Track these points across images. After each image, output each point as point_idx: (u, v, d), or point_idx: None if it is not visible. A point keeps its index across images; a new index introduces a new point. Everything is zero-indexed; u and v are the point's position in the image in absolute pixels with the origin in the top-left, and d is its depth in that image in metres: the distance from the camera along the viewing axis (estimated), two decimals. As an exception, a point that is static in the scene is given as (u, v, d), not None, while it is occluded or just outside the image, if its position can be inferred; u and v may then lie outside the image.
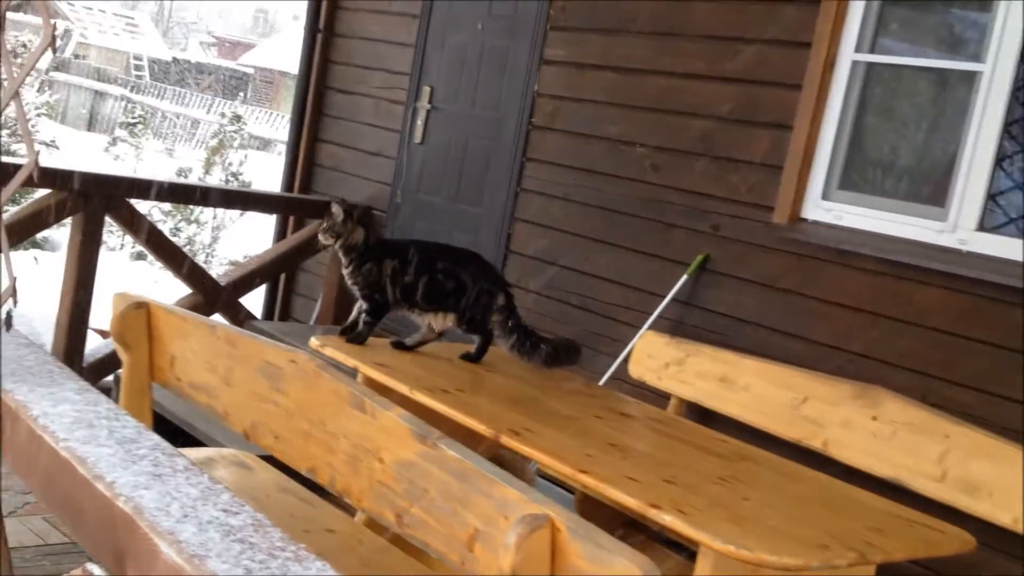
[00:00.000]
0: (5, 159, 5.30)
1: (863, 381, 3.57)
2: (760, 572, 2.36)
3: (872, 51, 3.97)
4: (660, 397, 4.02)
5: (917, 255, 3.68)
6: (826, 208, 4.02)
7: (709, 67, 4.40)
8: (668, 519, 2.27)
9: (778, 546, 2.22)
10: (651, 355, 4.11)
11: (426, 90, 5.80)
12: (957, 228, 3.63)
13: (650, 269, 4.52)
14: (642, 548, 2.45)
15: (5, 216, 5.44)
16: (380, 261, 3.31)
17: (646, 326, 4.33)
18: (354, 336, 3.33)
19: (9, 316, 1.73)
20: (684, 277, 4.31)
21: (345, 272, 3.36)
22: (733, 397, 3.79)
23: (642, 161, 4.62)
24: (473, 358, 3.36)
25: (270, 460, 2.90)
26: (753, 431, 3.62)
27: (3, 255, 1.66)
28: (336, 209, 3.30)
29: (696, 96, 4.44)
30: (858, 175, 4.04)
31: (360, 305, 3.36)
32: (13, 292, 1.62)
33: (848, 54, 3.97)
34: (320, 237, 3.36)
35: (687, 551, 3.39)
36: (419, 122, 5.82)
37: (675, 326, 4.34)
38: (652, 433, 3.07)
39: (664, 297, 4.34)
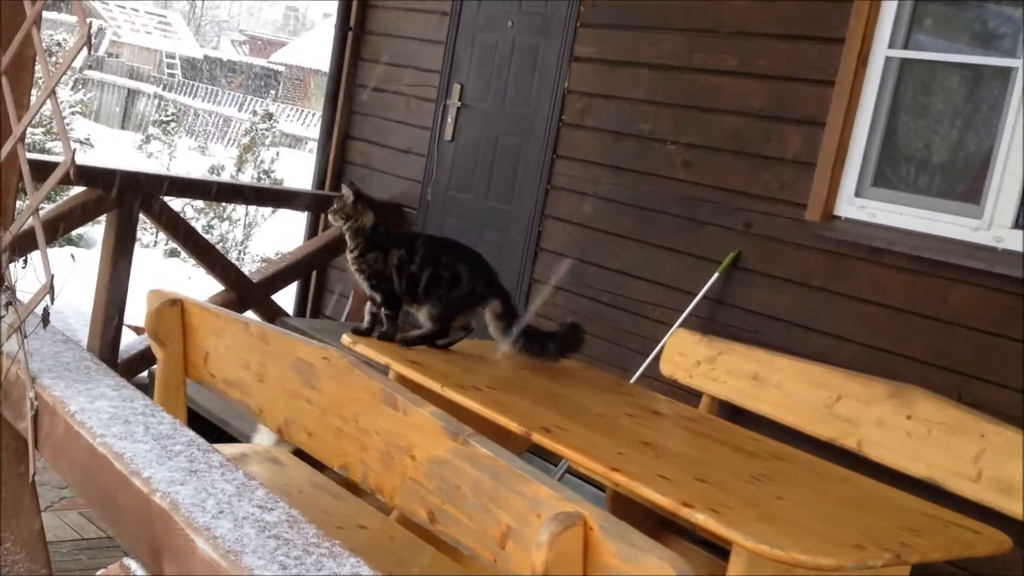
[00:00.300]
0: (40, 157, 5.36)
1: (897, 380, 3.53)
2: (793, 572, 2.35)
3: (906, 47, 3.93)
4: (691, 395, 4.01)
5: (951, 253, 3.64)
6: (859, 205, 3.99)
7: (741, 63, 4.37)
8: (701, 518, 2.26)
9: (812, 546, 2.20)
10: (682, 353, 4.10)
11: (456, 87, 5.81)
12: (992, 225, 3.59)
13: (681, 266, 4.50)
14: (673, 547, 2.45)
15: (41, 214, 5.49)
16: (386, 250, 3.31)
17: (677, 324, 4.31)
18: (383, 334, 3.33)
19: (46, 313, 1.75)
20: (716, 275, 4.29)
21: (350, 257, 3.36)
22: (765, 395, 3.76)
23: (673, 158, 4.60)
24: (405, 340, 3.30)
25: (303, 456, 2.91)
26: (785, 430, 3.59)
27: (40, 252, 1.67)
28: (347, 191, 3.31)
29: (728, 92, 4.41)
30: (892, 172, 4.00)
31: (369, 307, 3.36)
32: (50, 289, 1.63)
33: (881, 50, 3.94)
34: (330, 218, 3.38)
35: (718, 550, 3.38)
36: (449, 119, 5.83)
37: (707, 324, 4.32)
38: (684, 431, 3.06)
39: (695, 295, 4.33)
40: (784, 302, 4.13)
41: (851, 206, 4.00)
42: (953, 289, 3.63)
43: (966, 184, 3.78)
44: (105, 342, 5.25)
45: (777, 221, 4.19)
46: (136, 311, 4.17)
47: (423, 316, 3.32)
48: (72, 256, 1.80)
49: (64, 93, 16.97)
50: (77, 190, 5.29)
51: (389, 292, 3.30)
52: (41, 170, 2.81)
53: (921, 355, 3.68)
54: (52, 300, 1.66)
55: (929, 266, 3.69)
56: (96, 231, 9.07)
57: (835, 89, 4.02)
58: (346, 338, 3.36)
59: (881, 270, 3.84)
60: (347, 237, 3.35)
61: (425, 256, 3.30)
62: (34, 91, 2.16)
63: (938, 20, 3.98)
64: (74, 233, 9.69)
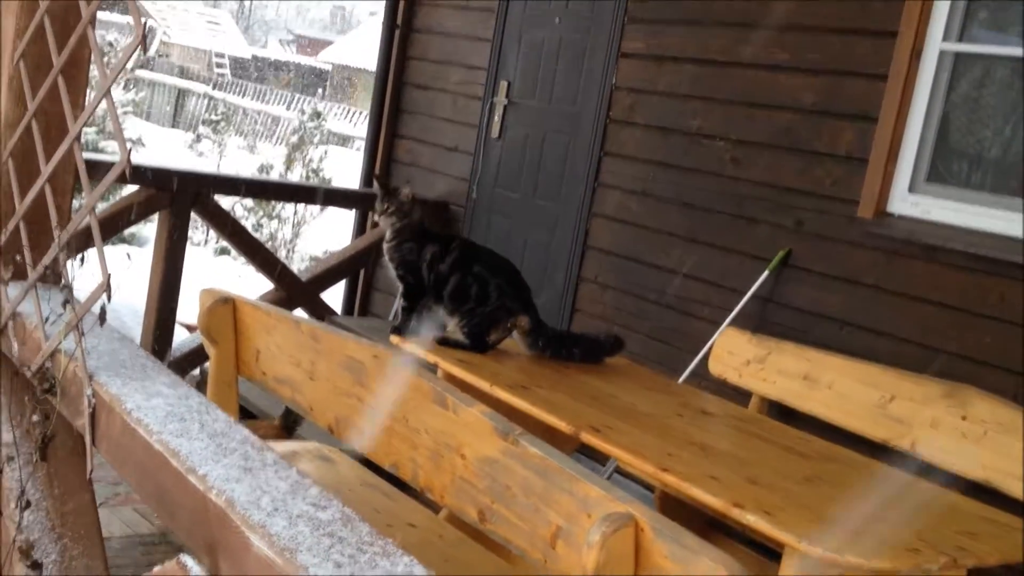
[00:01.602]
0: (95, 156, 5.44)
1: (952, 380, 3.48)
2: (846, 575, 2.32)
3: (960, 40, 3.86)
4: (741, 395, 3.97)
5: (1007, 250, 3.57)
6: (913, 202, 3.93)
7: (792, 58, 4.32)
8: (752, 519, 2.24)
9: (867, 549, 2.17)
10: (732, 352, 4.06)
11: (503, 85, 5.81)
12: (1051, 222, 3.51)
13: (730, 265, 4.46)
14: (722, 548, 2.42)
15: (96, 212, 5.53)
16: (422, 244, 3.34)
17: (727, 322, 4.27)
18: (395, 327, 3.37)
19: (103, 311, 1.77)
20: (765, 273, 4.25)
21: (386, 247, 3.40)
22: (816, 396, 3.72)
23: (723, 155, 4.56)
24: (447, 342, 3.32)
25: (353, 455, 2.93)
26: (837, 431, 3.55)
27: (97, 251, 1.69)
28: (405, 191, 3.37)
29: (778, 88, 4.36)
30: (946, 168, 3.93)
31: (399, 300, 3.41)
32: (107, 288, 1.65)
33: (935, 43, 3.87)
34: (380, 219, 3.42)
35: (768, 551, 3.35)
36: (496, 117, 5.83)
37: (756, 323, 4.28)
38: (734, 432, 3.03)
39: (745, 293, 4.29)
40: (835, 300, 4.07)
41: (904, 203, 3.94)
42: (1009, 287, 3.56)
43: (1021, 180, 3.71)
44: (158, 339, 5.32)
45: (828, 218, 4.13)
46: (188, 309, 4.23)
47: (452, 325, 3.33)
48: (128, 255, 1.82)
49: (117, 93, 17.23)
50: (130, 189, 5.36)
51: (414, 285, 3.34)
52: (95, 169, 2.86)
53: (977, 354, 3.62)
54: (109, 298, 1.68)
55: (984, 264, 3.63)
56: (149, 229, 9.19)
57: (888, 83, 3.96)
58: (393, 337, 3.38)
59: (935, 268, 3.78)
60: (389, 229, 3.38)
61: (457, 260, 3.31)
62: (89, 91, 2.19)
63: (993, 13, 3.91)
64: (127, 232, 9.82)
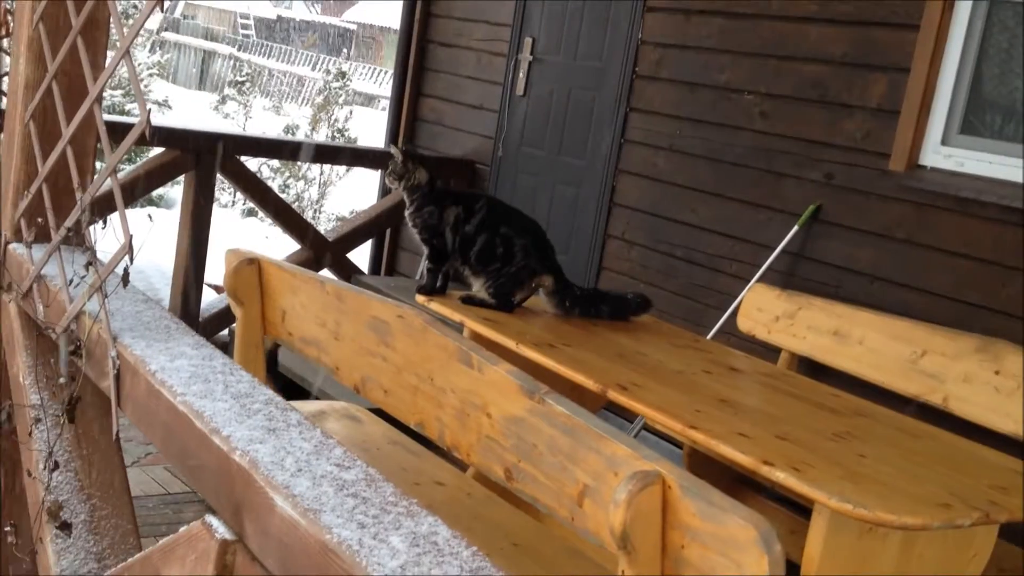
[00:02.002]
0: (119, 118, 5.44)
1: (985, 334, 3.42)
2: (876, 531, 2.30)
3: (996, -13, 3.76)
4: (770, 351, 3.94)
5: (1044, 202, 3.50)
6: (945, 154, 3.86)
7: (822, 9, 4.24)
8: (782, 476, 2.22)
9: (897, 505, 2.15)
10: (761, 308, 4.03)
11: (528, 41, 5.74)
12: (1088, 173, 3.44)
13: (759, 220, 4.41)
14: (751, 504, 2.41)
15: (121, 175, 5.58)
16: (443, 207, 3.32)
17: (755, 278, 4.23)
18: (421, 287, 3.36)
19: (126, 273, 1.77)
20: (795, 228, 4.20)
21: (407, 213, 3.39)
22: (847, 351, 3.68)
23: (751, 109, 4.50)
24: (471, 300, 3.31)
25: (379, 413, 2.93)
26: (868, 386, 3.51)
27: (119, 212, 1.69)
28: (395, 151, 3.35)
29: (808, 40, 4.28)
30: (979, 119, 3.85)
31: (424, 260, 3.40)
32: (129, 249, 1.65)
33: (970, -9, 3.78)
34: (387, 181, 3.42)
35: (797, 507, 3.33)
36: (521, 74, 5.77)
37: (785, 278, 4.23)
38: (763, 388, 3.01)
39: (774, 249, 4.24)
40: (866, 255, 4.02)
41: (937, 155, 3.87)
42: (1045, 240, 3.50)
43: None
44: (186, 301, 5.35)
45: (859, 172, 4.07)
46: (216, 270, 4.23)
47: (477, 286, 3.32)
48: (149, 216, 1.81)
49: (142, 55, 17.24)
50: (156, 151, 5.37)
51: (438, 248, 3.32)
52: (120, 132, 2.84)
53: (1010, 308, 3.56)
54: (131, 260, 1.68)
55: (1018, 216, 3.56)
56: (176, 192, 9.22)
57: (920, 34, 3.88)
58: (420, 296, 3.36)
59: (968, 221, 3.72)
60: (404, 195, 3.37)
61: (484, 221, 3.29)
62: (110, 53, 2.17)
63: (1030, -41, 3.81)
64: (155, 194, 9.87)
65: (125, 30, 1.70)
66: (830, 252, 4.14)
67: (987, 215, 3.66)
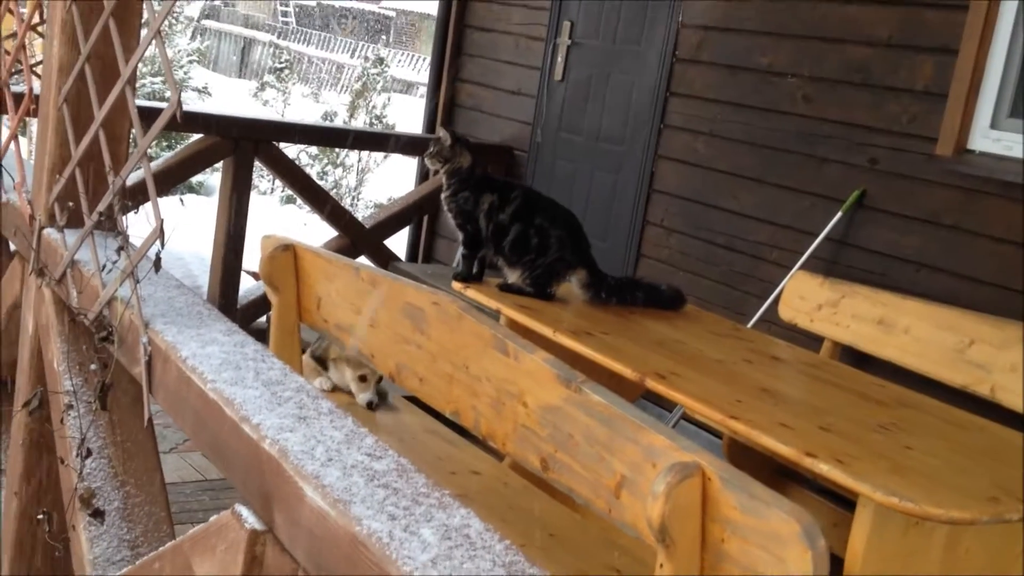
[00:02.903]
0: (156, 104, 5.45)
1: (1035, 323, 3.34)
2: (922, 526, 2.24)
3: (1049, -34, 3.65)
4: (812, 340, 3.87)
5: (1097, 188, 3.40)
6: (995, 138, 3.75)
7: (867, -10, 4.14)
8: (825, 468, 2.17)
9: (944, 498, 2.09)
10: (803, 296, 3.95)
11: (566, 25, 5.68)
12: None
13: (801, 206, 4.33)
14: (793, 496, 2.35)
15: (159, 161, 5.57)
16: (479, 193, 3.29)
17: (798, 266, 4.16)
18: (456, 274, 3.34)
19: (158, 258, 1.75)
20: (839, 214, 4.11)
21: (443, 196, 3.37)
22: (892, 340, 3.60)
23: (794, 92, 4.41)
24: (509, 288, 3.28)
25: (415, 401, 2.91)
26: (913, 377, 3.43)
27: (151, 197, 1.67)
28: (444, 133, 3.32)
29: (852, 21, 4.19)
30: (1030, 103, 3.75)
31: (460, 247, 3.37)
32: (160, 234, 1.62)
33: (1022, -29, 3.67)
34: (427, 162, 3.38)
35: (840, 499, 3.27)
36: (559, 59, 5.71)
37: (829, 266, 4.15)
38: (805, 378, 2.95)
39: (817, 236, 4.16)
40: (912, 242, 3.93)
41: (986, 139, 3.77)
42: (1098, 227, 3.40)
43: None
44: (224, 288, 5.36)
45: (905, 156, 3.98)
46: (254, 258, 4.23)
47: (513, 277, 3.28)
48: (181, 201, 1.79)
49: (182, 42, 17.35)
50: (195, 137, 5.38)
51: (472, 234, 3.30)
52: (153, 117, 2.83)
53: (1062, 297, 3.47)
54: (163, 245, 1.66)
55: (1072, 202, 3.46)
56: (215, 178, 9.26)
57: (969, 14, 3.77)
58: (456, 283, 3.33)
59: (1018, 207, 3.62)
60: (443, 178, 3.34)
61: (518, 210, 3.25)
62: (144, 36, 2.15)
63: (1085, -63, 3.69)
64: (194, 181, 9.93)
65: (156, 10, 1.68)
66: (875, 239, 4.06)
67: (1038, 201, 3.56)
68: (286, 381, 1.57)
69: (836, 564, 2.04)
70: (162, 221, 1.64)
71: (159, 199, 1.72)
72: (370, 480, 1.26)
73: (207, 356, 1.62)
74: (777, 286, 4.19)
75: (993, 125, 3.76)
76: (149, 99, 11.77)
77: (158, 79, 12.17)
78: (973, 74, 3.76)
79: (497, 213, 3.26)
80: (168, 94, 11.84)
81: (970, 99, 3.78)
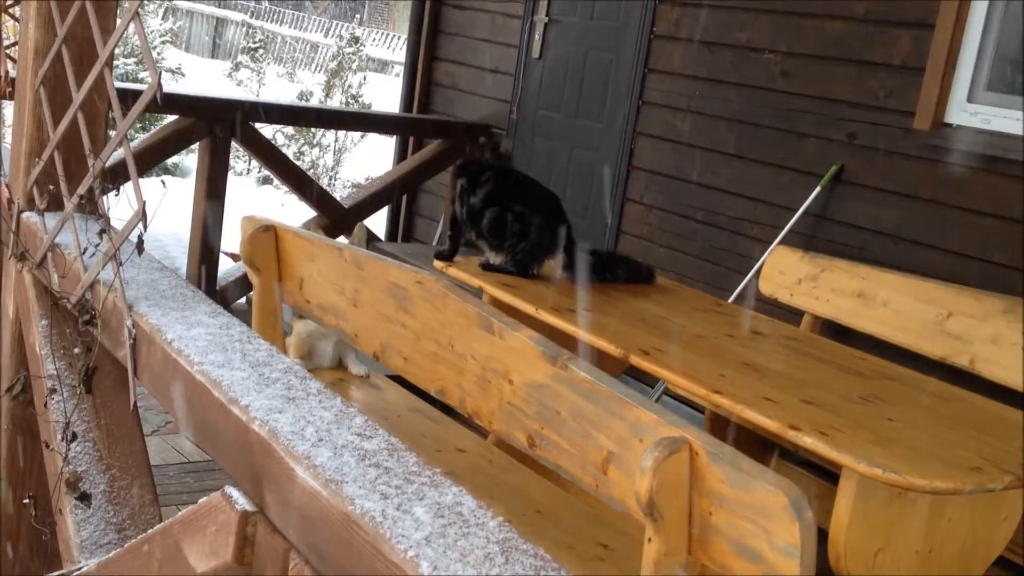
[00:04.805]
0: (132, 86, 5.39)
1: (1012, 294, 3.37)
2: (905, 496, 2.26)
3: (1025, -61, 3.67)
4: (793, 314, 3.89)
5: (1073, 160, 3.43)
6: (972, 112, 3.78)
7: (844, -35, 4.14)
8: (809, 441, 2.19)
9: (927, 469, 2.11)
10: (783, 271, 3.97)
11: (543, 2, 5.66)
12: (1120, 129, 3.36)
13: (780, 182, 4.34)
14: (776, 471, 2.37)
15: (135, 143, 5.53)
16: (457, 178, 3.33)
17: (777, 241, 4.18)
18: (438, 252, 3.35)
19: (140, 240, 1.74)
20: (817, 189, 4.13)
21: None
22: (871, 313, 3.63)
23: (771, 68, 4.42)
24: (490, 267, 3.30)
25: (399, 381, 2.91)
26: (894, 349, 3.46)
27: (132, 179, 1.65)
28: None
29: (830, -3, 4.20)
30: (1007, 76, 3.77)
31: (442, 225, 3.43)
32: (142, 216, 1.61)
33: (997, -56, 3.68)
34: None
35: (823, 472, 3.30)
36: (537, 36, 5.69)
37: (808, 240, 4.17)
38: (787, 352, 2.96)
39: (796, 210, 4.18)
40: (891, 216, 3.96)
41: (963, 112, 3.79)
42: (1074, 198, 3.43)
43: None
44: (203, 269, 5.32)
45: (883, 131, 4.00)
46: (233, 238, 4.20)
47: (496, 259, 3.29)
48: (163, 182, 1.77)
49: (154, 22, 17.15)
50: (170, 119, 5.33)
51: (452, 215, 3.30)
52: (132, 99, 2.81)
53: (1039, 268, 3.50)
54: (145, 227, 1.64)
55: (1048, 174, 3.49)
56: (191, 160, 9.19)
57: (946, -12, 3.79)
58: (437, 262, 3.33)
59: (995, 179, 3.64)
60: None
61: (490, 194, 3.25)
62: (119, 20, 2.13)
63: (1059, -91, 3.70)
64: (169, 162, 9.85)
65: (134, -9, 1.65)
66: (853, 213, 4.08)
67: (1014, 173, 3.58)
68: (273, 362, 1.57)
69: (820, 536, 2.06)
70: (144, 203, 1.63)
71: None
72: (361, 459, 1.26)
73: (193, 338, 1.62)
74: (757, 261, 4.21)
75: (970, 99, 3.78)
76: (122, 80, 11.64)
77: (131, 60, 12.03)
78: (950, 48, 3.78)
79: (467, 197, 3.27)
80: (142, 75, 11.72)
81: (947, 73, 3.80)
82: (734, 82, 4.57)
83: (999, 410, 2.68)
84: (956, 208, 3.76)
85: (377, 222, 6.33)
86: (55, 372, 1.88)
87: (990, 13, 3.73)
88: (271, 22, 26.18)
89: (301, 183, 5.81)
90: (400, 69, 7.68)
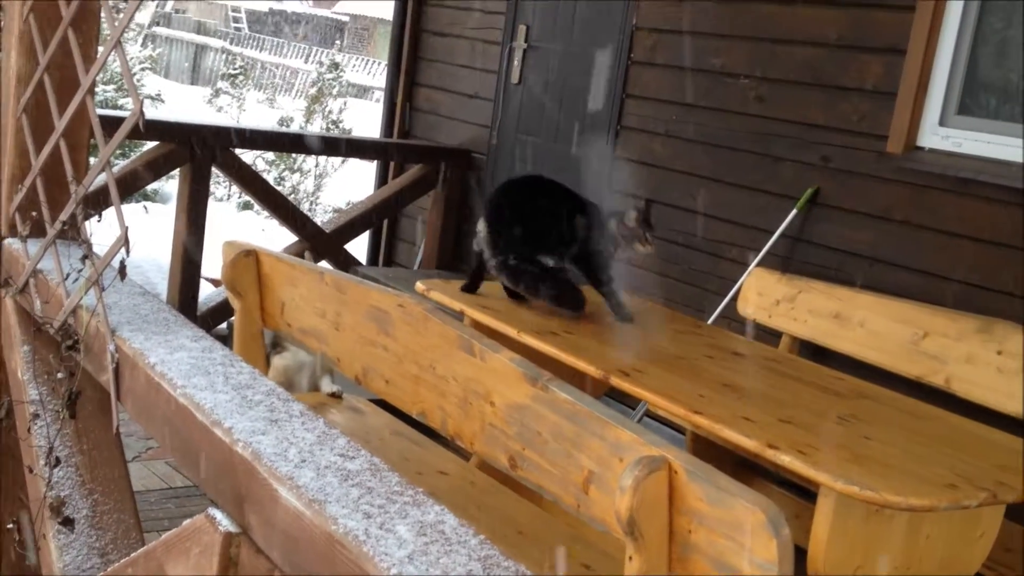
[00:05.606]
0: (113, 112, 5.41)
1: (986, 314, 3.41)
2: (883, 513, 2.29)
3: (991, -34, 3.74)
4: (771, 335, 3.93)
5: (1042, 181, 3.49)
6: (943, 135, 3.84)
7: (816, -9, 4.21)
8: (787, 459, 2.21)
9: (903, 486, 2.14)
10: (761, 293, 4.01)
11: (522, 28, 5.71)
12: (1088, 151, 3.42)
13: (757, 204, 4.39)
14: (756, 489, 2.39)
15: (115, 169, 5.53)
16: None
17: (755, 263, 4.22)
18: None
19: (123, 266, 1.75)
20: (793, 211, 4.18)
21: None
22: (848, 334, 3.67)
23: (747, 93, 4.48)
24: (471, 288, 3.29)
25: (381, 404, 2.92)
26: (870, 369, 3.50)
27: (114, 205, 1.67)
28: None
29: (802, 22, 4.26)
30: (977, 100, 3.83)
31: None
32: (125, 242, 1.63)
33: (965, -29, 3.75)
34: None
35: (802, 491, 3.32)
36: (516, 62, 5.75)
37: (785, 262, 4.22)
38: (765, 372, 2.99)
39: (773, 233, 4.22)
40: (866, 238, 4.01)
41: (935, 136, 3.85)
42: (1045, 219, 3.49)
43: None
44: (184, 295, 5.32)
45: (857, 154, 4.05)
46: (213, 264, 4.22)
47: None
48: (145, 207, 1.79)
49: (133, 49, 17.18)
50: (150, 145, 5.34)
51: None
52: (113, 126, 2.82)
53: (1012, 288, 3.55)
54: (127, 252, 1.66)
55: (1018, 196, 3.54)
56: (171, 186, 9.18)
57: (916, 14, 3.86)
58: (420, 285, 3.35)
59: (967, 201, 3.70)
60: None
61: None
62: (102, 47, 2.15)
63: (1025, -63, 3.78)
64: (149, 189, 9.83)
65: (116, 22, 1.68)
66: (829, 235, 4.13)
67: (986, 195, 3.64)
68: (256, 385, 1.58)
69: (799, 554, 2.08)
70: (127, 228, 1.65)
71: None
72: (344, 480, 1.28)
73: (175, 362, 1.63)
74: (736, 283, 4.25)
75: (942, 122, 3.85)
76: (102, 107, 11.63)
77: (110, 87, 12.04)
78: (921, 73, 3.84)
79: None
80: (122, 102, 11.73)
81: (918, 97, 3.86)
82: (710, 107, 4.63)
83: (974, 428, 2.72)
84: (929, 230, 3.81)
85: (358, 247, 6.35)
86: (38, 397, 1.88)
87: (960, 38, 3.80)
88: (251, 48, 26.25)
89: (282, 208, 5.83)
90: (380, 95, 7.72)
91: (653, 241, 3.20)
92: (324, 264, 5.73)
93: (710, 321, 4.27)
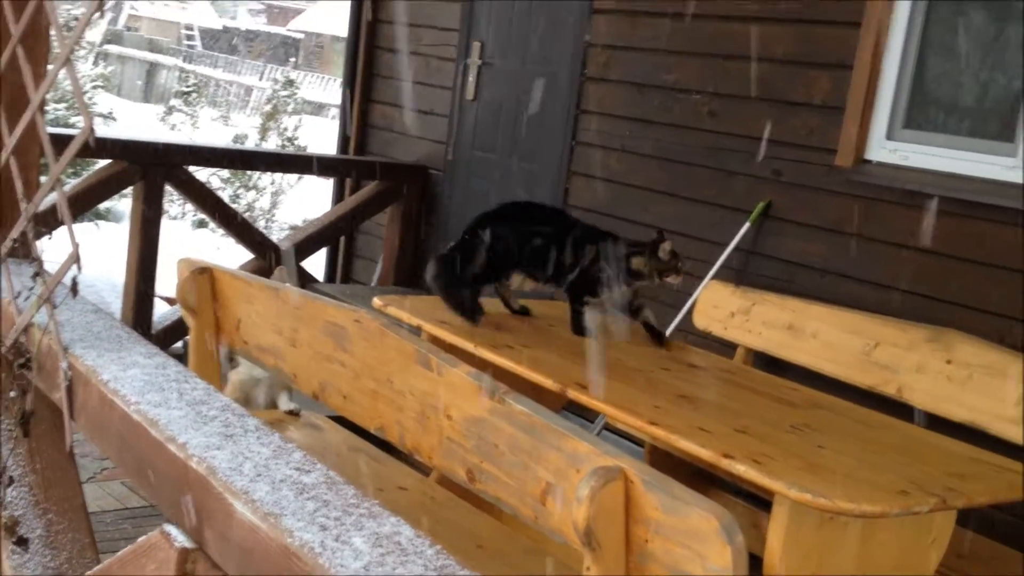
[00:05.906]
0: (64, 131, 5.35)
1: (936, 324, 3.48)
2: (837, 520, 2.32)
3: (934, -15, 3.82)
4: (727, 347, 3.97)
5: (987, 193, 3.56)
6: (891, 148, 3.91)
7: (763, 8, 4.28)
8: (742, 469, 2.24)
9: (856, 493, 2.17)
10: (716, 305, 4.05)
11: (476, 45, 5.74)
12: (1029, 163, 3.51)
13: (711, 218, 4.44)
14: (713, 499, 2.41)
15: (67, 187, 5.48)
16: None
17: (710, 276, 4.26)
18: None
19: (75, 283, 1.74)
20: (746, 225, 4.23)
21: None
22: (802, 345, 3.72)
23: (699, 108, 4.53)
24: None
25: (340, 421, 2.91)
26: (824, 379, 3.55)
27: (65, 222, 1.66)
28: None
29: (752, 39, 4.32)
30: (923, 113, 3.91)
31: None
32: (76, 259, 1.62)
33: (909, -11, 3.84)
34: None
35: (758, 500, 3.35)
36: (471, 79, 5.77)
37: (739, 275, 4.27)
38: (721, 383, 3.03)
39: (727, 246, 4.27)
40: (817, 250, 4.07)
41: (882, 149, 3.93)
42: (989, 230, 3.56)
43: (999, 123, 3.70)
44: (138, 313, 5.27)
45: (807, 168, 4.12)
46: (167, 283, 4.19)
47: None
48: (96, 224, 1.78)
49: (85, 67, 17.01)
50: (103, 163, 5.29)
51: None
52: (64, 144, 2.80)
53: (960, 299, 3.62)
54: (79, 270, 1.65)
55: (965, 207, 3.62)
56: (124, 205, 9.09)
57: (862, 31, 3.94)
58: (377, 301, 3.35)
59: (915, 213, 3.77)
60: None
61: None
62: (51, 65, 2.13)
63: (966, -44, 3.88)
64: (101, 207, 9.71)
65: (66, 39, 1.67)
66: (781, 248, 4.18)
67: (932, 207, 3.71)
68: (210, 400, 1.58)
69: (756, 563, 2.11)
70: (78, 245, 1.64)
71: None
72: (300, 493, 1.28)
73: (129, 379, 1.62)
74: (691, 296, 4.29)
75: (889, 136, 3.92)
76: (52, 126, 11.50)
77: (61, 105, 11.91)
78: (867, 88, 3.92)
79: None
80: (73, 120, 11.60)
81: (866, 112, 3.93)
82: (664, 122, 4.67)
83: (925, 436, 2.77)
84: (878, 241, 3.88)
85: (315, 263, 6.33)
86: (-11, 417, 1.86)
87: (905, 53, 3.88)
88: (204, 66, 26.09)
89: (237, 226, 5.79)
90: (336, 112, 7.72)
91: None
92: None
93: (667, 334, 4.30)
